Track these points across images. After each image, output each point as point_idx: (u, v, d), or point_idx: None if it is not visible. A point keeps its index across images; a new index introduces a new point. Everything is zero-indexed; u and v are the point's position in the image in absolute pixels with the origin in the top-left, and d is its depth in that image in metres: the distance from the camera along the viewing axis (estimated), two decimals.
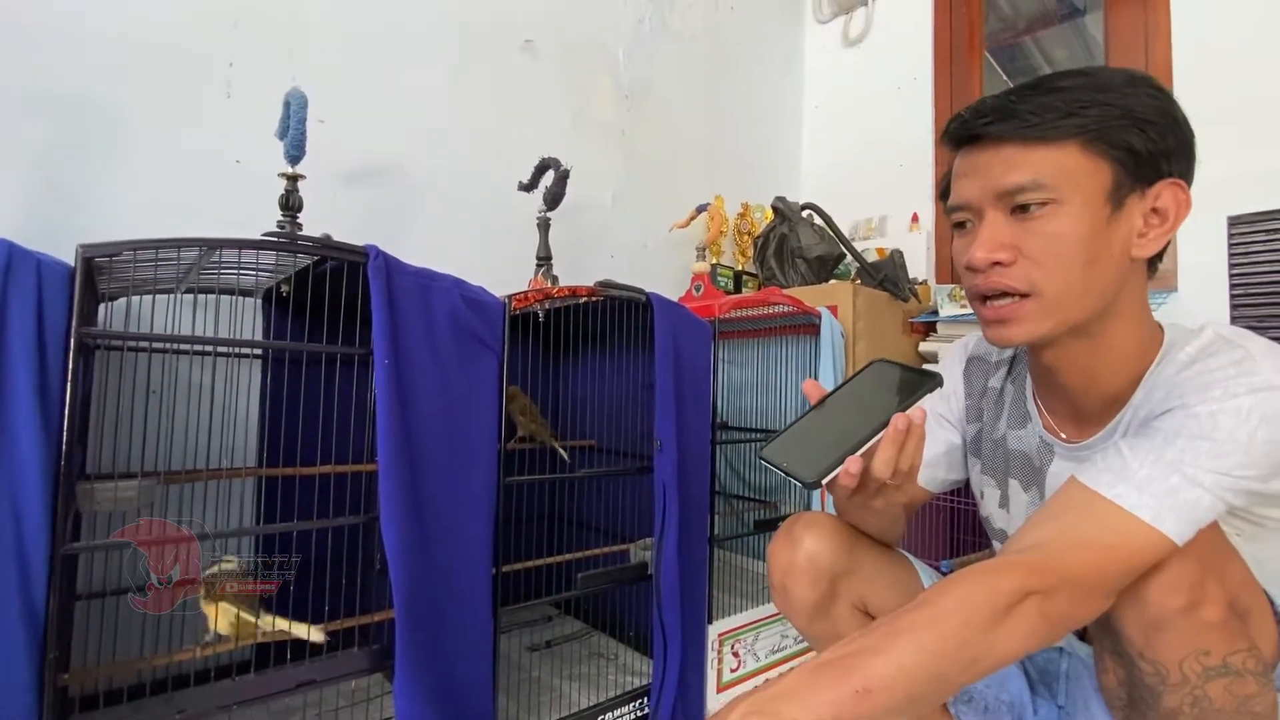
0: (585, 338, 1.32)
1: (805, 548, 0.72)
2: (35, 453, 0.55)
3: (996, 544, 0.80)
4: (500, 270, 1.28)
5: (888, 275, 1.52)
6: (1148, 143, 0.55)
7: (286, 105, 0.90)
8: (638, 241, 1.67)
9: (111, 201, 1.00)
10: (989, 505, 0.78)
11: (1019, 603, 0.47)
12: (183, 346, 0.97)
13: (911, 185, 1.91)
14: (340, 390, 0.87)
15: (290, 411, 0.98)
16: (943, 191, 0.68)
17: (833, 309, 1.38)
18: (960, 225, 0.63)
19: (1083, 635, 0.68)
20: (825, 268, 1.56)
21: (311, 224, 0.94)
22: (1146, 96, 0.56)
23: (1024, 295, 0.57)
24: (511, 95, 1.47)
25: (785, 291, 1.39)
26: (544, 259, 1.19)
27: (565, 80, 1.56)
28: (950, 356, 0.85)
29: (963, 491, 1.06)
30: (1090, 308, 0.57)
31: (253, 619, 0.74)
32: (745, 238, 1.80)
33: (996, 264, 0.57)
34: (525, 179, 1.23)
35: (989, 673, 0.49)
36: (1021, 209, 0.56)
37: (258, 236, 0.71)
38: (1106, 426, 0.62)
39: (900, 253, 1.59)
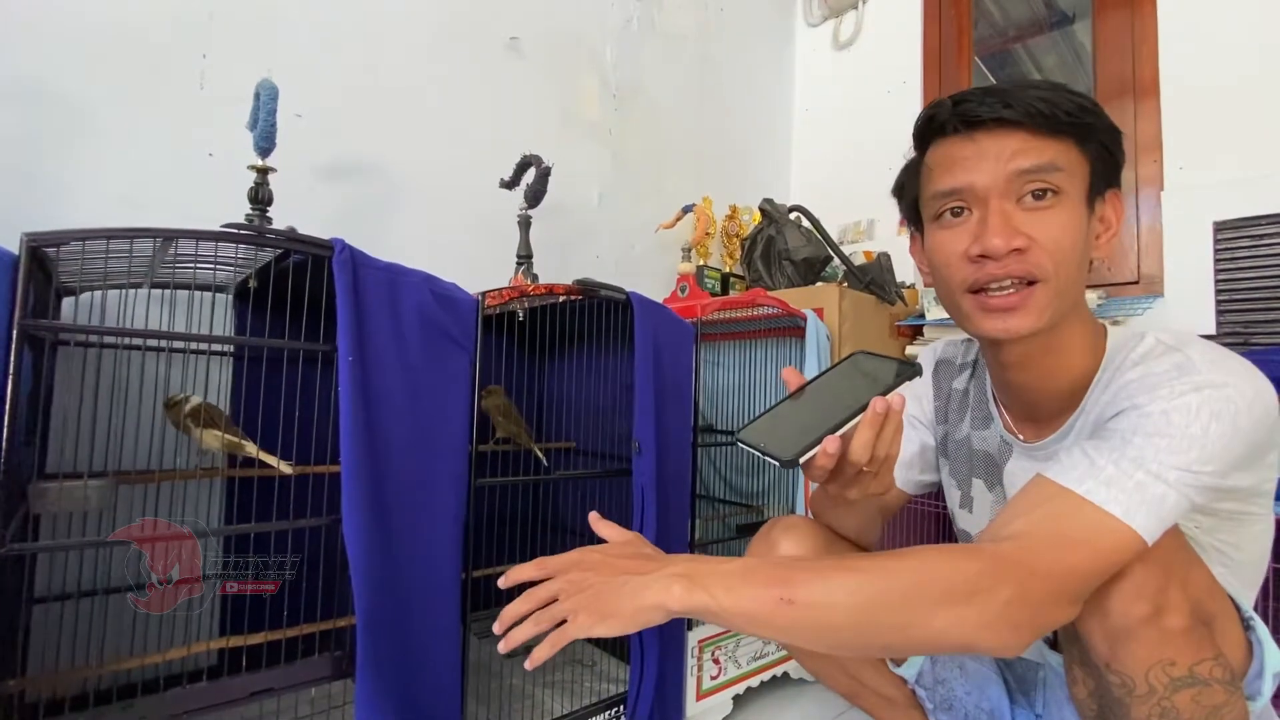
0: (566, 338, 1.30)
1: (782, 551, 0.71)
2: None
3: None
4: (482, 269, 1.26)
5: (874, 278, 1.51)
6: (1119, 152, 0.59)
7: (256, 96, 0.88)
8: (624, 242, 1.66)
9: (79, 196, 0.98)
10: (951, 505, 0.78)
11: (982, 591, 0.45)
12: (149, 343, 0.94)
13: None
14: (310, 389, 0.85)
15: (259, 410, 0.96)
16: (899, 188, 0.68)
17: (819, 311, 1.36)
18: (951, 213, 0.61)
19: (1054, 645, 0.67)
20: (812, 270, 1.55)
21: (286, 219, 0.91)
22: (1103, 112, 0.59)
23: (1033, 282, 0.57)
24: (496, 93, 1.45)
25: (771, 293, 1.37)
26: (524, 257, 1.17)
27: (551, 79, 1.55)
28: (920, 361, 0.84)
29: (941, 496, 1.05)
30: (1072, 302, 0.59)
31: (237, 440, 0.81)
32: (733, 240, 1.78)
33: (1015, 250, 0.56)
34: (507, 176, 1.21)
35: (919, 647, 0.48)
36: (1033, 196, 0.57)
37: (217, 228, 0.69)
38: (1060, 428, 0.63)
39: (887, 256, 1.58)
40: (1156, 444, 0.50)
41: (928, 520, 1.34)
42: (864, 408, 0.50)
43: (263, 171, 0.89)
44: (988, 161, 0.58)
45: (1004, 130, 0.58)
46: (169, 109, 1.05)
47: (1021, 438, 0.67)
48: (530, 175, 1.16)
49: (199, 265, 0.86)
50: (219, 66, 1.09)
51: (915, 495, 0.83)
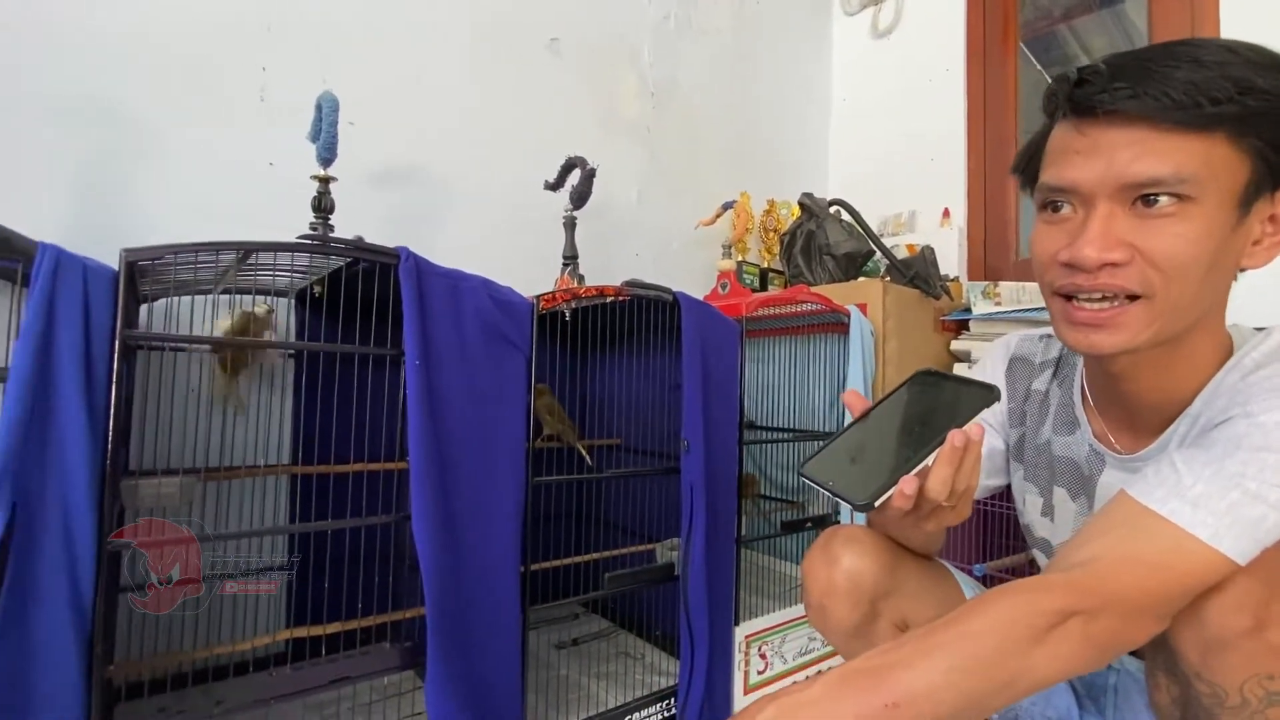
0: (611, 337, 1.31)
1: (844, 566, 0.68)
2: (82, 452, 0.57)
3: (1037, 552, 0.77)
4: (527, 270, 1.28)
5: (919, 272, 1.49)
6: None
7: (318, 108, 0.91)
8: (663, 239, 1.67)
9: (150, 206, 1.03)
10: (1030, 513, 0.75)
11: (1060, 623, 0.44)
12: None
13: (942, 180, 1.87)
14: (369, 390, 0.88)
15: (321, 411, 1.00)
16: (1023, 163, 0.61)
17: (862, 307, 1.35)
18: (1052, 208, 0.55)
19: (1135, 650, 0.65)
20: (854, 265, 1.54)
21: (343, 225, 0.95)
22: None
23: (1131, 298, 0.51)
24: (537, 94, 1.47)
25: (813, 289, 1.37)
26: (570, 258, 1.19)
27: (590, 78, 1.56)
28: (991, 356, 0.82)
29: (998, 495, 1.03)
30: (1192, 319, 0.52)
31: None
32: (771, 235, 1.77)
33: (1109, 264, 0.50)
34: (551, 178, 1.23)
35: (1027, 694, 0.46)
36: (1145, 201, 0.49)
37: (293, 239, 0.72)
38: (1161, 436, 0.58)
39: (931, 249, 1.56)
40: (1263, 459, 0.46)
41: (974, 518, 1.33)
42: (941, 440, 0.47)
43: (325, 181, 0.93)
44: (1099, 161, 0.50)
45: (1128, 123, 0.48)
46: (232, 121, 1.09)
47: (1116, 446, 0.63)
48: (575, 177, 1.18)
49: (275, 273, 0.90)
50: (277, 78, 1.13)
51: (977, 499, 0.81)
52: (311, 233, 0.82)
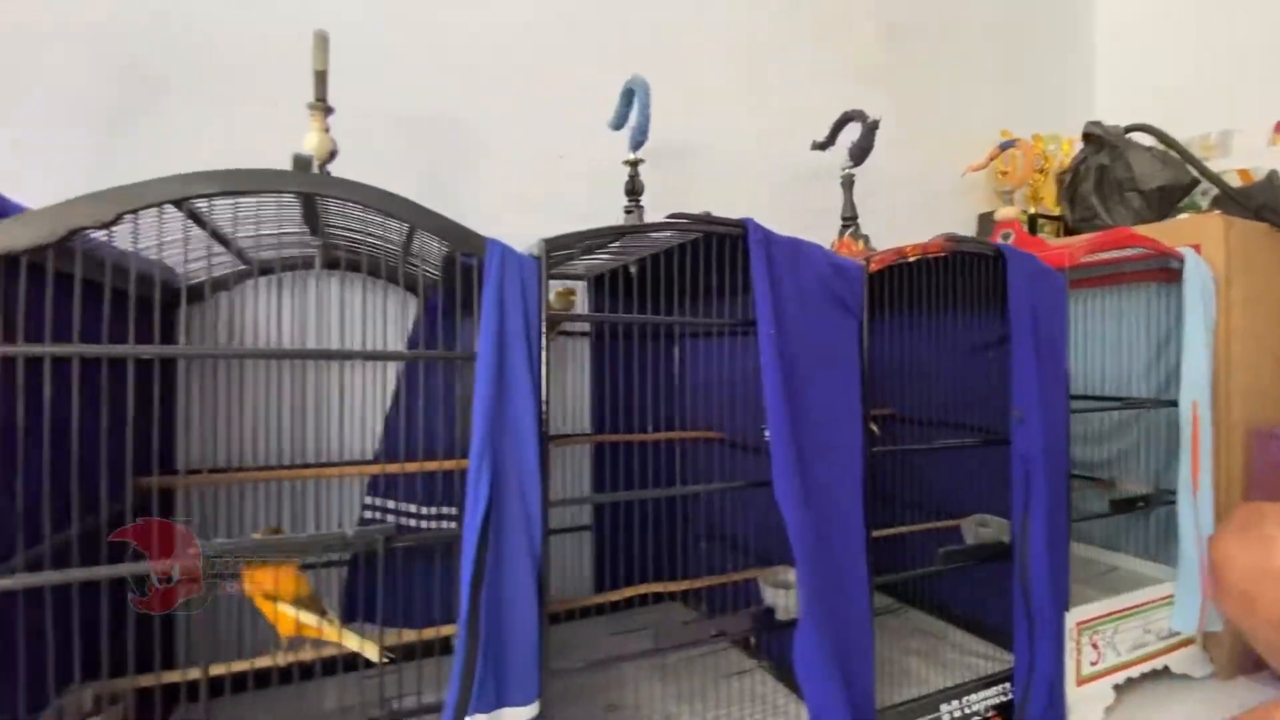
0: (894, 299, 1.24)
1: None
2: (531, 420, 0.65)
3: None
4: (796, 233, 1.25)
5: (1265, 202, 1.22)
6: None
7: (629, 93, 0.94)
8: (916, 189, 1.54)
9: (471, 201, 1.15)
10: None
11: None
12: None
13: (1269, 86, 1.50)
14: (655, 364, 0.90)
15: (611, 385, 1.07)
16: None
17: (1195, 247, 1.14)
18: None
19: None
20: (1168, 200, 1.30)
21: (612, 204, 0.99)
22: None
23: None
24: (782, 52, 1.42)
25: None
26: (850, 219, 1.14)
27: (831, 29, 1.47)
28: None
29: None
30: None
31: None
32: (1039, 175, 1.56)
33: None
34: (820, 138, 1.18)
35: None
36: None
37: (591, 226, 0.74)
38: None
39: (1278, 173, 1.26)
40: None
41: None
42: None
43: (634, 164, 0.96)
44: None
45: None
46: (530, 121, 1.18)
47: None
48: (853, 131, 1.12)
49: (585, 258, 0.95)
50: (560, 76, 1.20)
51: None
52: (682, 212, 0.85)
